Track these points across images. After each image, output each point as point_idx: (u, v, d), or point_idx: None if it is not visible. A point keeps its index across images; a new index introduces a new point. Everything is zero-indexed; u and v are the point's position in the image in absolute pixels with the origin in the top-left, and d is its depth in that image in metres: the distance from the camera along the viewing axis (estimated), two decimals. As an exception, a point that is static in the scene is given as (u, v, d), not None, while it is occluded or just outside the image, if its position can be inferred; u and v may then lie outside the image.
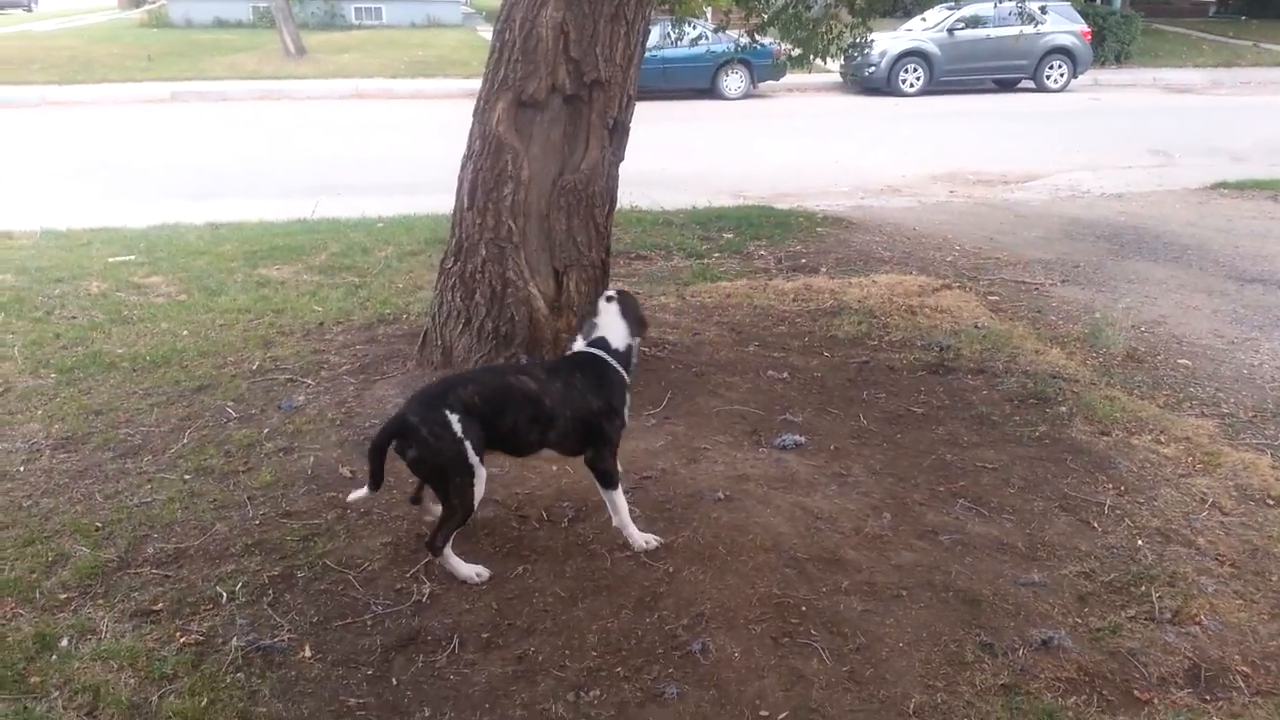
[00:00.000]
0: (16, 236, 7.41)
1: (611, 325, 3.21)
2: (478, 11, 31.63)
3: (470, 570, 2.93)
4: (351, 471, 3.57)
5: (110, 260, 6.62)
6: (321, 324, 5.29)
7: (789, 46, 8.37)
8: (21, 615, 2.76)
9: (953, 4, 18.51)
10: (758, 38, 8.71)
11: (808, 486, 3.56)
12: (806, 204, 9.11)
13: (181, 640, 2.65)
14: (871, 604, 2.86)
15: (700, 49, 15.88)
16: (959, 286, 6.28)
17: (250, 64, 20.16)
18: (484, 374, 3.47)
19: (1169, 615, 2.85)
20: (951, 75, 18.61)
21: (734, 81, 18.39)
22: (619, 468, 3.16)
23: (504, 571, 2.99)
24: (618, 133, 4.61)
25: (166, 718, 2.37)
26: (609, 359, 3.15)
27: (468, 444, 2.80)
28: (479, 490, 2.86)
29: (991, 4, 15.32)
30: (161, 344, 4.93)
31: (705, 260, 6.98)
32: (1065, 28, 18.30)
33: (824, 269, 6.78)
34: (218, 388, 4.38)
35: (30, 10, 37.62)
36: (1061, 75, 18.91)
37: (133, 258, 6.71)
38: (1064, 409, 4.30)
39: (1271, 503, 3.54)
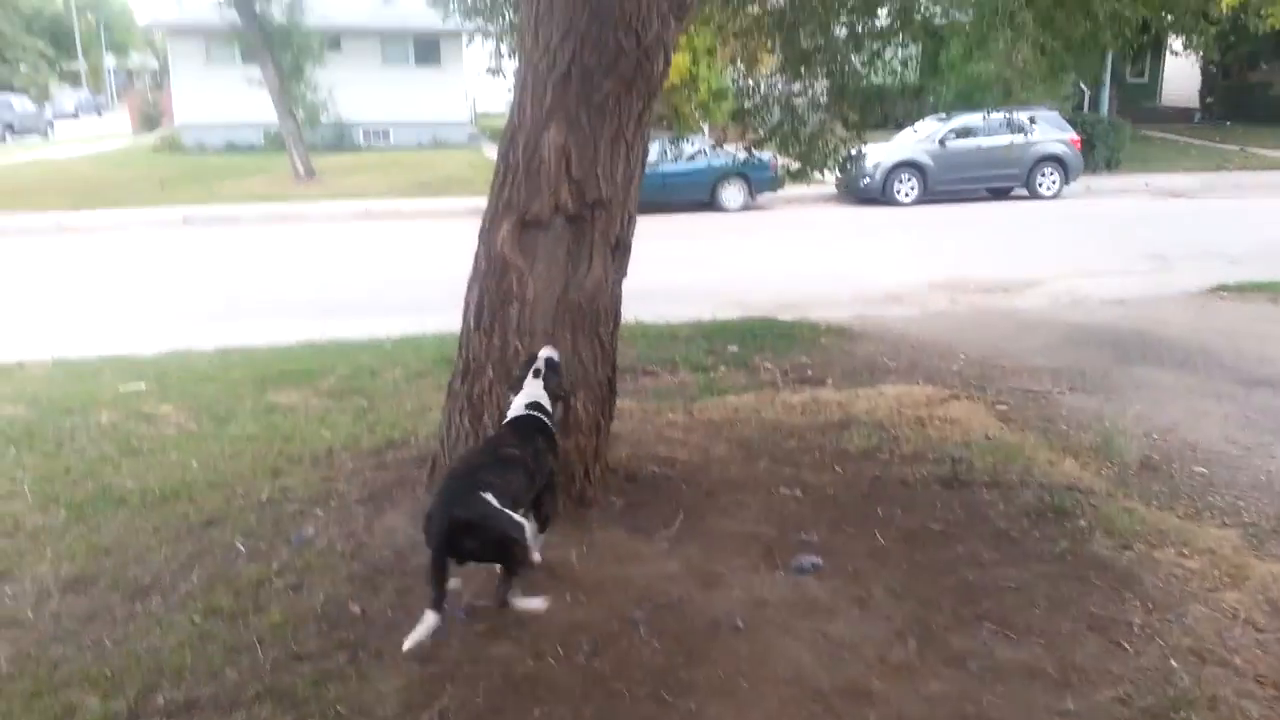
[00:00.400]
0: (29, 366, 7.47)
1: (540, 393, 3.77)
2: (482, 131, 32.55)
3: (539, 601, 3.31)
4: (361, 609, 3.50)
5: (121, 389, 6.66)
6: (330, 450, 5.28)
7: (787, 161, 8.58)
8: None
9: (943, 115, 19.10)
10: (755, 152, 8.95)
11: (828, 612, 3.49)
12: (810, 314, 9.18)
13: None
14: (901, 739, 2.77)
15: (699, 163, 16.31)
16: (967, 396, 6.28)
17: (261, 187, 20.68)
18: (480, 455, 3.77)
19: (1210, 745, 2.76)
20: (945, 184, 19.01)
21: (733, 194, 18.78)
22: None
23: (520, 715, 2.90)
24: (620, 251, 4.67)
25: None
26: (547, 420, 3.72)
27: (509, 512, 3.11)
28: (530, 537, 3.32)
29: (980, 116, 15.83)
30: (171, 476, 4.91)
31: (711, 374, 6.99)
32: (1055, 136, 18.76)
33: (830, 380, 6.79)
34: (227, 521, 4.34)
35: (47, 136, 38.79)
36: (1054, 182, 19.30)
37: (143, 386, 6.74)
38: (1083, 523, 4.24)
39: (1305, 618, 3.46)
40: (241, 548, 4.07)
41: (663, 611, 3.48)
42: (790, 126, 7.95)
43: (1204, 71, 30.09)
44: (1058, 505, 4.41)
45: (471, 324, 4.51)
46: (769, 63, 8.23)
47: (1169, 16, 7.32)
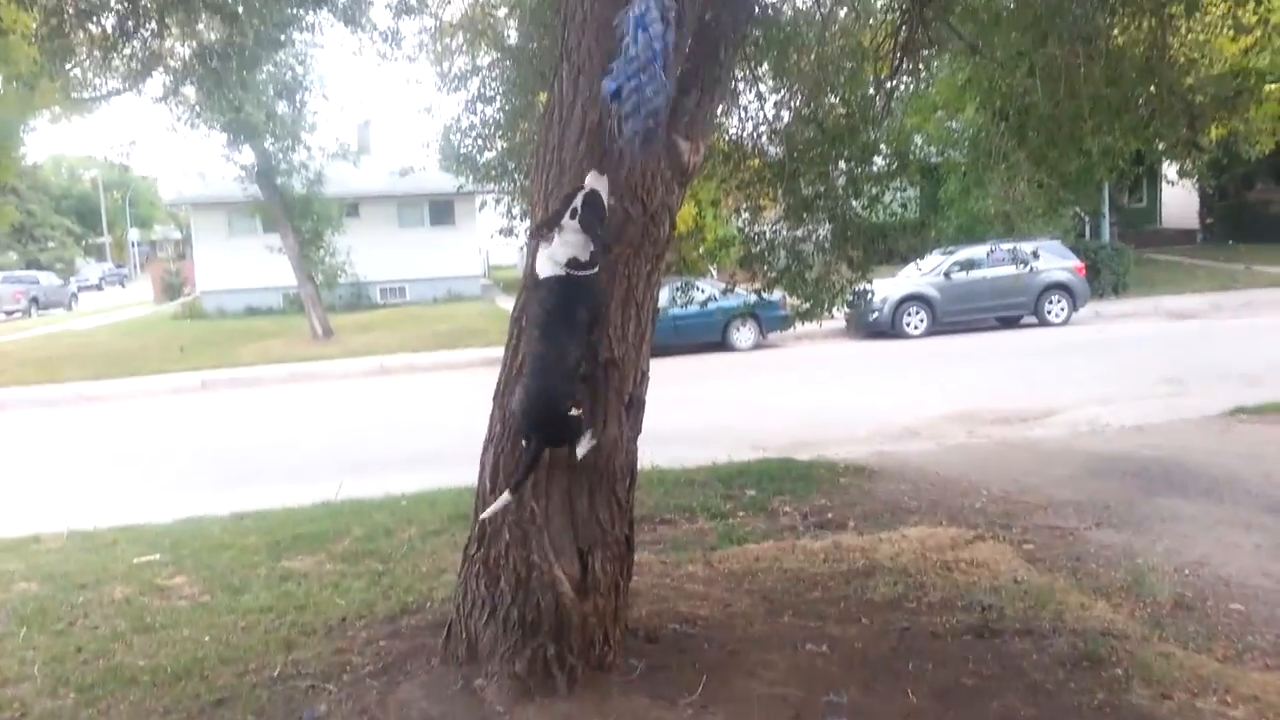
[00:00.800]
0: (44, 540, 7.45)
1: (580, 243, 3.63)
2: (495, 283, 33.33)
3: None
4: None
5: (135, 561, 6.61)
6: (344, 619, 5.18)
7: (796, 302, 8.70)
8: None
9: (947, 250, 19.46)
10: (764, 295, 9.10)
11: (861, 780, 3.33)
12: (826, 453, 9.13)
13: None
14: None
15: (710, 305, 16.56)
16: (992, 536, 6.16)
17: (279, 348, 21.08)
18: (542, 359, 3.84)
19: None
20: (954, 315, 19.20)
21: (744, 334, 19.04)
22: None
23: None
24: (634, 408, 4.69)
25: None
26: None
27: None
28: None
29: (984, 249, 16.09)
30: (183, 653, 4.81)
31: (730, 521, 6.91)
32: (1059, 264, 19.02)
33: (852, 523, 6.69)
34: (238, 700, 4.22)
35: (70, 309, 39.94)
36: (1062, 310, 19.47)
37: (158, 557, 6.70)
38: (1119, 671, 4.09)
39: (1364, 769, 3.28)
40: (252, 730, 3.95)
41: (688, 786, 3.33)
42: (797, 270, 8.10)
43: (1201, 194, 30.72)
44: (1092, 653, 4.25)
45: (487, 486, 4.48)
46: (772, 210, 8.45)
47: (1161, 145, 7.54)
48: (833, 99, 7.00)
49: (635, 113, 3.49)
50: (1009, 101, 6.53)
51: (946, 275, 19.26)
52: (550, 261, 3.58)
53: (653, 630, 4.73)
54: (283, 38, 7.76)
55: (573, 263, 3.52)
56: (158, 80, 7.77)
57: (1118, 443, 8.97)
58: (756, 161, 7.52)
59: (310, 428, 12.93)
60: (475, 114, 9.35)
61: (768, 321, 18.88)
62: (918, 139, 8.90)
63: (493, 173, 9.65)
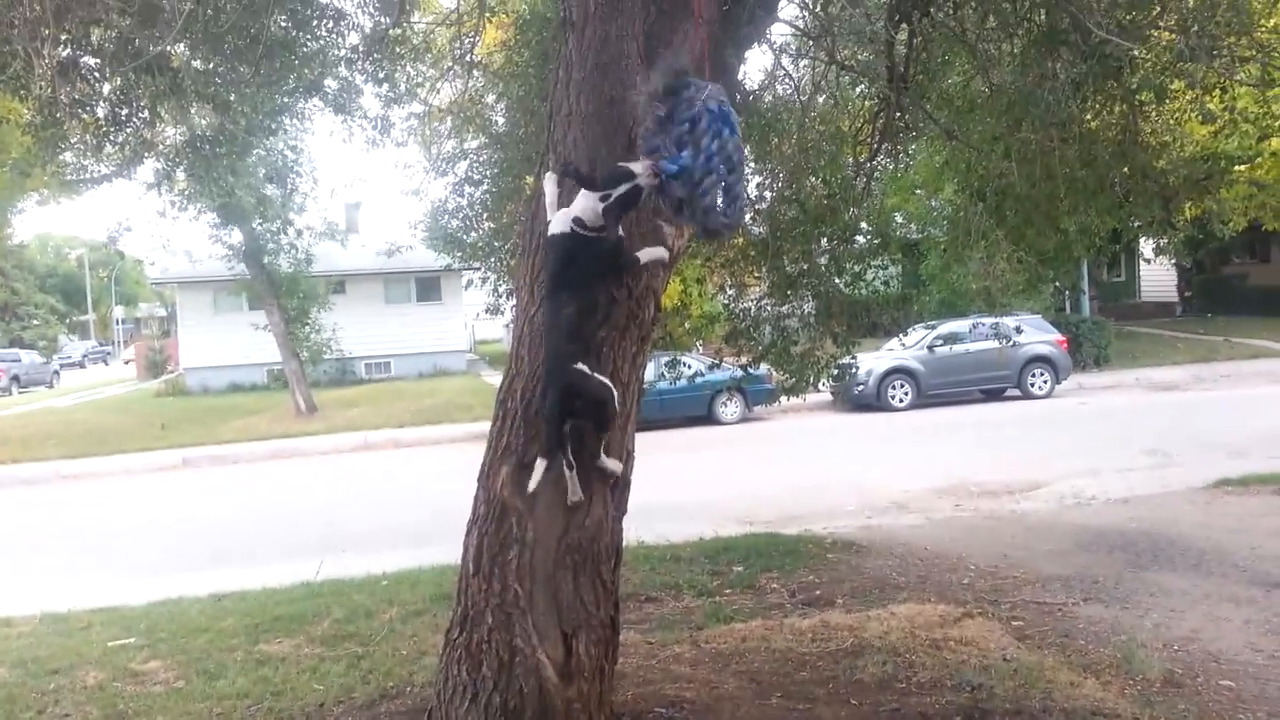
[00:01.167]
0: (16, 623, 7.29)
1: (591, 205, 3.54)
2: (481, 357, 33.35)
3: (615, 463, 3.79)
4: None
5: (110, 645, 6.47)
6: (322, 704, 5.07)
7: (781, 377, 8.75)
8: None
9: (930, 324, 19.67)
10: (750, 369, 9.15)
11: None
12: (814, 526, 9.08)
13: None
14: None
15: (696, 380, 16.66)
16: (980, 613, 6.09)
17: (262, 425, 20.94)
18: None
19: None
20: (938, 388, 19.31)
21: (730, 408, 19.05)
22: None
23: None
24: (619, 488, 4.66)
25: None
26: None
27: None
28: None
29: (965, 323, 16.30)
30: (155, 742, 4.70)
31: (717, 599, 6.83)
32: (1041, 338, 19.20)
33: (840, 600, 6.62)
34: (211, 791, 4.11)
35: (52, 387, 39.73)
36: (1045, 382, 19.59)
37: (132, 640, 6.56)
38: (1113, 752, 4.03)
39: None
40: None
41: None
42: (782, 345, 8.16)
43: (1179, 268, 31.23)
44: (1084, 733, 4.20)
45: (470, 569, 4.42)
46: (757, 286, 8.54)
47: (1137, 224, 7.67)
48: (814, 180, 7.13)
49: (731, 204, 3.51)
50: (986, 182, 6.68)
51: (930, 349, 19.42)
52: (561, 219, 3.62)
53: (638, 714, 4.65)
54: (274, 125, 7.85)
55: (578, 222, 3.55)
56: (149, 166, 7.83)
57: (1104, 515, 8.95)
58: (740, 240, 7.62)
59: (292, 505, 12.79)
60: (462, 196, 9.50)
61: (754, 395, 18.89)
62: (898, 217, 9.07)
63: (479, 252, 9.77)
